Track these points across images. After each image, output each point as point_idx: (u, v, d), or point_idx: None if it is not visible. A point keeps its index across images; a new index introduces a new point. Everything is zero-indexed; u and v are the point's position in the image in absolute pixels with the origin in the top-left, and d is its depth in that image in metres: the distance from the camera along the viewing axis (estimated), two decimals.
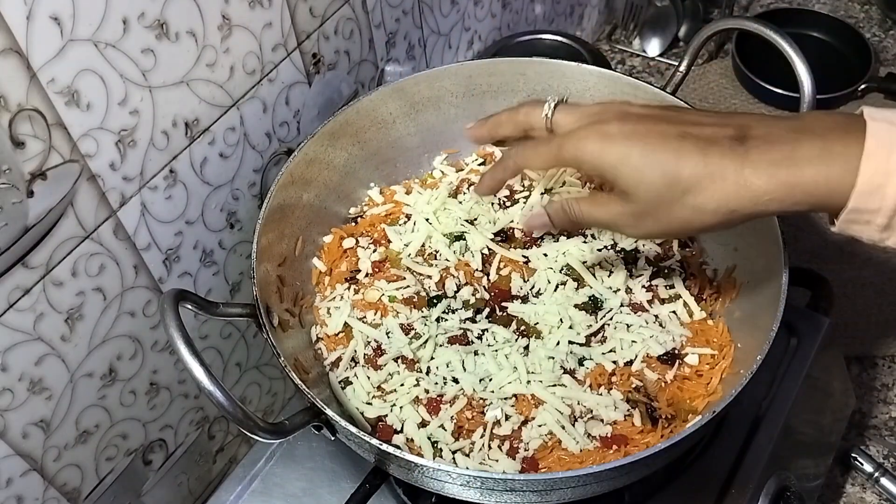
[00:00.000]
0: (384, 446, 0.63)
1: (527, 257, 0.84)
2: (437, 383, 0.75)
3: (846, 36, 1.53)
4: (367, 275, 0.84)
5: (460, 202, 0.89)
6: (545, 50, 1.21)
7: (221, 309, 0.69)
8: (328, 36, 0.87)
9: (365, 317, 0.81)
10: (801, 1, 1.67)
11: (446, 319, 0.79)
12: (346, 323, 0.80)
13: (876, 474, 1.06)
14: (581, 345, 0.77)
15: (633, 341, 0.77)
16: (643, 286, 0.82)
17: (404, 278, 0.83)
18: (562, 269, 0.83)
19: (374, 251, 0.86)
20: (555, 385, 0.74)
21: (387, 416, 0.74)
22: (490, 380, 0.74)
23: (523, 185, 0.91)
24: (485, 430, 0.71)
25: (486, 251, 0.85)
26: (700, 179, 0.56)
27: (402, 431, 0.72)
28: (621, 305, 0.80)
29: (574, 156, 0.61)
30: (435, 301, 0.81)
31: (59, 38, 0.59)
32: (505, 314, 0.80)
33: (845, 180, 0.53)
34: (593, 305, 0.80)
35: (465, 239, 0.85)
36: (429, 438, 0.71)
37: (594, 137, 0.60)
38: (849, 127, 0.55)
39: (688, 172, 0.56)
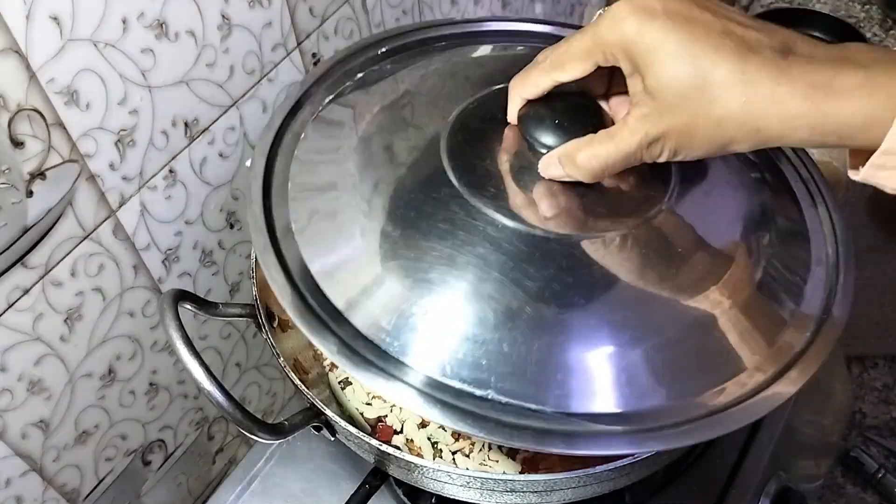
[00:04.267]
0: (384, 447, 0.63)
1: None
2: None
3: (846, 36, 1.52)
4: None
5: None
6: None
7: (221, 309, 0.69)
8: (328, 36, 0.87)
9: None
10: (801, 1, 1.67)
11: None
12: None
13: (876, 474, 1.06)
14: None
15: None
16: None
17: None
18: None
19: None
20: None
21: (387, 416, 0.73)
22: None
23: None
24: None
25: None
26: (732, 86, 0.51)
27: (401, 432, 0.72)
28: None
29: (610, 39, 0.53)
30: None
31: (59, 38, 0.58)
32: None
33: (885, 116, 0.49)
34: None
35: None
36: (429, 439, 0.71)
37: (634, 14, 0.52)
38: (895, 60, 0.51)
39: (721, 75, 0.51)
